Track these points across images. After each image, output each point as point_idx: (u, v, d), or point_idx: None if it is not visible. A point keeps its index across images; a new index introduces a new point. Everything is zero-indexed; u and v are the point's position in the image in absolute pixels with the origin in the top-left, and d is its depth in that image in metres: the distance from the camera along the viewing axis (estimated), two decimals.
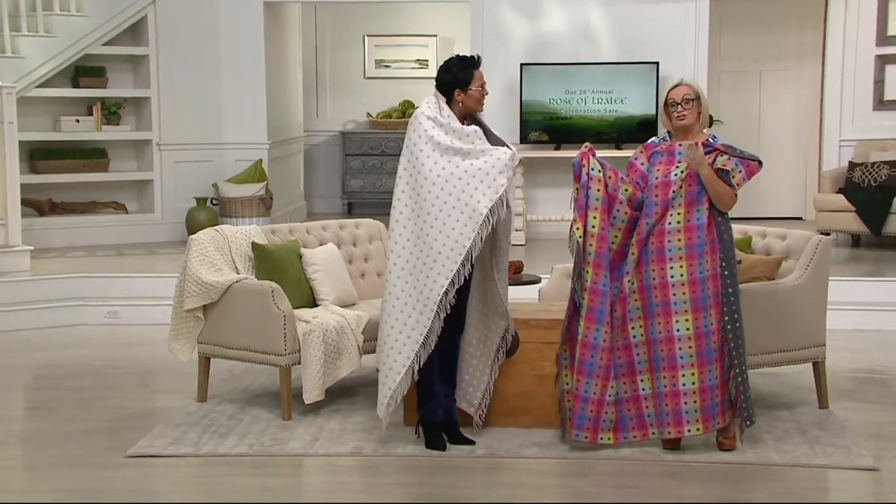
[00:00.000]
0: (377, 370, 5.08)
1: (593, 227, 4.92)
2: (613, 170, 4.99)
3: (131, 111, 10.21)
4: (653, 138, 5.17)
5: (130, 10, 9.85)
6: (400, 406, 5.46)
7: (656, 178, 4.91)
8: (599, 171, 4.94)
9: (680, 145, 4.93)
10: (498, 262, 5.09)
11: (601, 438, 4.99)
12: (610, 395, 4.97)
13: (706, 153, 4.90)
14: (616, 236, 4.96)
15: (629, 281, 4.92)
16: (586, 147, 5.02)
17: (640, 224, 4.92)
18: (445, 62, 5.04)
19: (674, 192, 4.87)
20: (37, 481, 4.86)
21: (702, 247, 4.87)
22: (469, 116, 5.04)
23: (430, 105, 4.96)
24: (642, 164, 5.01)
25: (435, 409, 5.07)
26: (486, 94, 5.02)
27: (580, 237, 4.92)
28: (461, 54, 5.06)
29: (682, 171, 4.88)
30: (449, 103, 4.98)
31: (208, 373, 5.86)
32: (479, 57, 5.01)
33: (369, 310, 5.87)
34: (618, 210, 4.94)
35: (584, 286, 4.95)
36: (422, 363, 4.92)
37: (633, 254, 4.92)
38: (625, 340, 4.96)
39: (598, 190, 4.92)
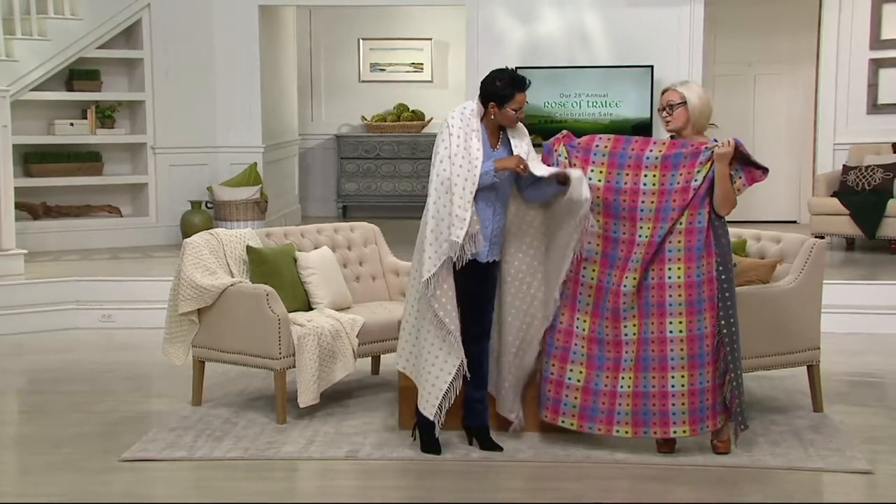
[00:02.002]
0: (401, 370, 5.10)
1: None
2: (583, 157, 5.01)
3: (126, 114, 10.20)
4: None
5: (125, 14, 9.84)
6: (394, 410, 5.46)
7: (677, 182, 4.89)
8: (566, 158, 5.03)
9: (707, 148, 4.89)
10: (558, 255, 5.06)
11: (561, 421, 5.05)
12: (572, 380, 5.00)
13: (707, 158, 4.89)
14: (597, 220, 4.98)
15: (628, 278, 4.91)
16: (562, 134, 5.10)
17: (653, 229, 4.89)
18: (496, 72, 4.97)
19: (687, 199, 4.86)
20: (30, 486, 4.84)
21: (700, 249, 4.88)
22: (503, 129, 5.02)
23: (462, 113, 4.93)
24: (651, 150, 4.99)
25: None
26: (521, 117, 4.98)
27: None
28: (515, 72, 4.96)
29: (702, 177, 4.87)
30: (483, 112, 4.97)
31: (203, 376, 5.85)
32: (529, 82, 4.96)
33: (364, 313, 5.87)
34: None
35: None
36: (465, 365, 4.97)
37: (637, 254, 4.91)
38: (615, 337, 4.96)
39: None
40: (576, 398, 5.01)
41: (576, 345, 5.02)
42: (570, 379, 5.02)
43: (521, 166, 4.89)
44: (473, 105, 4.96)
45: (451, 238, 4.79)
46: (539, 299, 5.11)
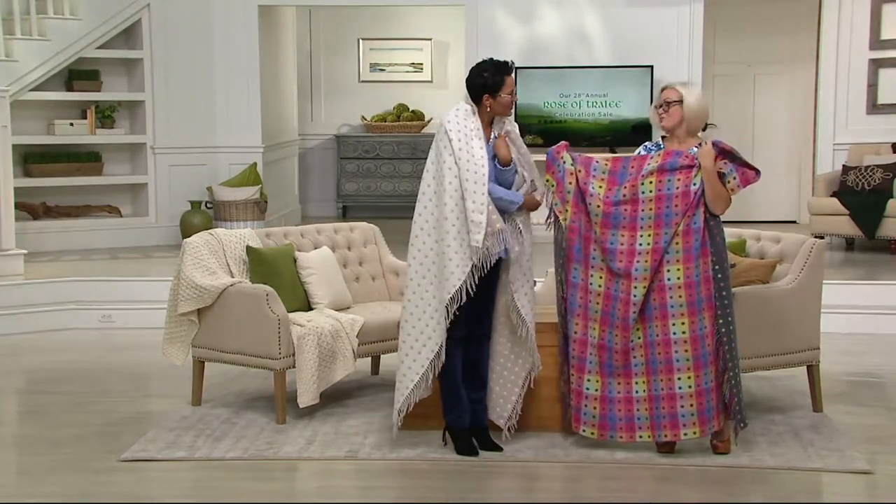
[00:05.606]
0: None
1: (565, 219, 5.03)
2: (584, 164, 5.03)
3: (125, 115, 10.21)
4: (646, 143, 5.19)
5: (125, 14, 9.85)
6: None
7: (676, 187, 4.90)
8: (572, 165, 5.03)
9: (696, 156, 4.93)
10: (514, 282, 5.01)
11: (582, 430, 5.03)
12: (590, 389, 4.99)
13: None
14: (596, 231, 4.99)
15: (637, 288, 4.90)
16: (563, 144, 5.13)
17: (657, 235, 4.90)
18: (478, 65, 4.99)
19: (689, 202, 4.87)
20: (30, 486, 4.84)
21: (697, 250, 4.88)
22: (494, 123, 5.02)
23: (457, 115, 4.91)
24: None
25: (461, 415, 5.04)
26: (516, 99, 5.01)
27: (567, 227, 5.02)
28: (494, 59, 4.99)
29: (699, 180, 4.87)
30: (477, 108, 4.96)
31: (203, 377, 5.85)
32: (512, 63, 4.98)
33: (364, 313, 5.87)
34: (590, 203, 4.99)
35: (561, 279, 5.03)
36: (436, 371, 4.92)
37: (642, 262, 4.90)
38: (624, 345, 4.96)
39: (571, 183, 5.04)
40: (595, 408, 5.01)
41: (590, 354, 5.01)
42: (588, 388, 5.02)
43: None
44: (466, 106, 4.95)
45: (471, 244, 4.76)
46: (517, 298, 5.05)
